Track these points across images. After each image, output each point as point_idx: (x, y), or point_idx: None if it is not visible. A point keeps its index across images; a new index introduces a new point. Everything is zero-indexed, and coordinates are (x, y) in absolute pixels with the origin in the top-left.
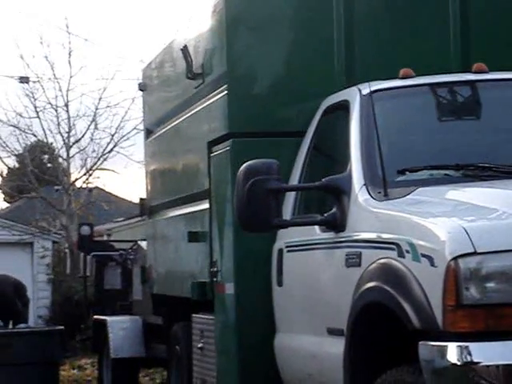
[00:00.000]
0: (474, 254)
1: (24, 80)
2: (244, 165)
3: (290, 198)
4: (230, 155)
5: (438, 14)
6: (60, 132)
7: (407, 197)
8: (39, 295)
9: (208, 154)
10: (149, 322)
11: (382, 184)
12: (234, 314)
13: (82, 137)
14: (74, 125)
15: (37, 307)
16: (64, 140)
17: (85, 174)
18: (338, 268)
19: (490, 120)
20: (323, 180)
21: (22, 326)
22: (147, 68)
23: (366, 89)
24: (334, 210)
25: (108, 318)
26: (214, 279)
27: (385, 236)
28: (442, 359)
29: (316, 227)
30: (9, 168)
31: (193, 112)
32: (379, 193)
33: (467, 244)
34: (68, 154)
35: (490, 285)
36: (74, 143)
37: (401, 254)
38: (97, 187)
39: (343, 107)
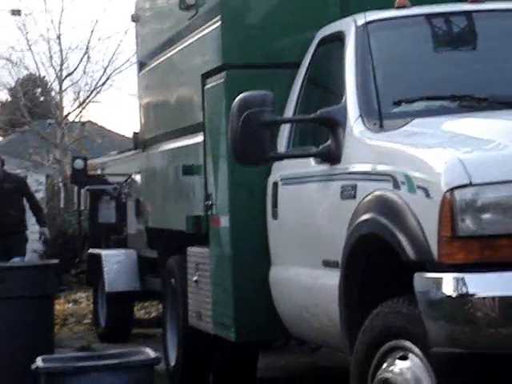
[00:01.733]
0: (470, 185)
1: (16, 13)
2: (238, 97)
3: (285, 131)
4: (224, 87)
5: None
6: (52, 65)
7: (403, 128)
8: (32, 229)
9: (202, 86)
10: (143, 256)
11: (378, 115)
12: (228, 246)
13: (75, 70)
14: (66, 58)
15: (31, 241)
16: (56, 73)
17: (78, 108)
18: (333, 200)
19: (486, 51)
20: (318, 112)
21: (17, 259)
22: None
23: (361, 19)
24: (328, 142)
25: (103, 252)
26: (209, 212)
27: (380, 168)
28: (437, 291)
29: (311, 160)
30: (1, 102)
31: (186, 44)
32: (374, 124)
33: (463, 175)
34: (61, 88)
35: (486, 216)
36: (66, 76)
37: (396, 186)
38: (89, 121)
39: (338, 38)
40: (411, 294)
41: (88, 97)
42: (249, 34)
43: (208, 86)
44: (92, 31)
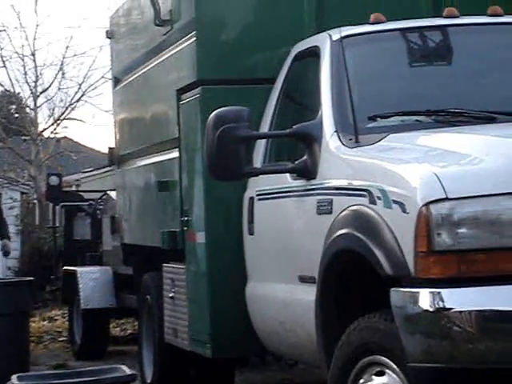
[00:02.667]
0: (446, 199)
1: None
2: (213, 112)
3: (261, 146)
4: (200, 103)
5: None
6: (27, 81)
7: (378, 143)
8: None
9: (177, 101)
10: (119, 273)
11: (353, 131)
12: (205, 262)
13: (50, 86)
14: (41, 74)
15: (6, 258)
16: (31, 89)
17: (52, 124)
18: (309, 215)
19: (460, 65)
20: (294, 127)
21: None
22: (115, 15)
23: (336, 34)
24: (304, 157)
25: (78, 269)
26: (185, 228)
27: (356, 183)
28: (414, 305)
29: (287, 175)
30: None
31: (161, 59)
32: (350, 139)
33: (439, 190)
34: (35, 104)
35: (462, 230)
36: (41, 92)
37: (372, 201)
38: (65, 137)
39: (313, 53)
40: (388, 309)
41: (63, 113)
42: (224, 50)
43: (183, 102)
44: (67, 47)
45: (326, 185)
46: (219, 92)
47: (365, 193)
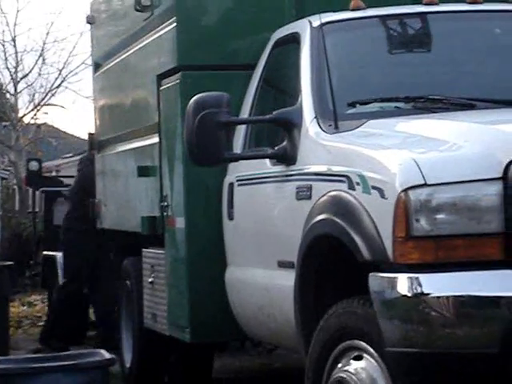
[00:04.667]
0: (425, 185)
1: None
2: (193, 98)
3: (241, 132)
4: (180, 88)
5: None
6: (7, 67)
7: (358, 129)
8: None
9: (157, 87)
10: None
11: (333, 117)
12: (184, 248)
13: (30, 72)
14: (21, 60)
15: None
16: (11, 75)
17: (33, 110)
18: (288, 201)
19: (440, 52)
20: (274, 113)
21: None
22: (95, 1)
23: (316, 21)
24: (284, 143)
25: (58, 254)
26: (165, 213)
27: (335, 169)
28: (392, 290)
29: (267, 161)
30: None
31: (142, 45)
32: (330, 126)
33: (417, 176)
34: (16, 90)
35: (440, 216)
36: (21, 78)
37: (351, 187)
38: (45, 123)
39: (294, 40)
40: (366, 294)
41: (43, 99)
42: (204, 36)
43: (163, 87)
44: (47, 33)
45: (306, 170)
46: (199, 78)
47: (344, 178)
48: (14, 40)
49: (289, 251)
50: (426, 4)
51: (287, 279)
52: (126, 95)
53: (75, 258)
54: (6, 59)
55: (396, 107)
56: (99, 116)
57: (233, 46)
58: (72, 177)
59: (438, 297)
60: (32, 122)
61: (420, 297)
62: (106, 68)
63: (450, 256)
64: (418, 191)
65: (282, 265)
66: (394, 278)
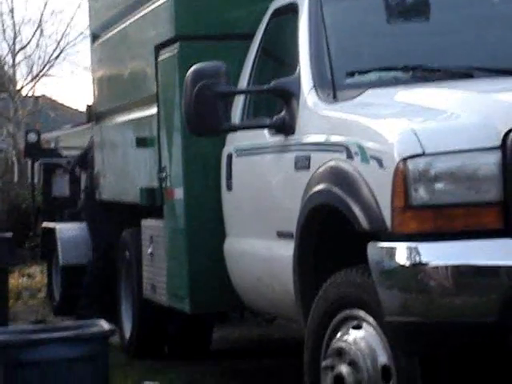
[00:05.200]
0: (423, 155)
1: None
2: (192, 68)
3: (239, 102)
4: (178, 59)
5: None
6: (5, 39)
7: (356, 99)
8: None
9: (155, 58)
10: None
11: (331, 86)
12: (183, 219)
13: (28, 43)
14: (19, 31)
15: None
16: (9, 47)
17: (31, 81)
18: (287, 171)
19: (438, 21)
20: (272, 83)
21: None
22: None
23: None
24: (283, 113)
25: (57, 225)
26: (163, 185)
27: (334, 138)
28: (390, 260)
29: (265, 131)
30: None
31: (139, 15)
32: (328, 95)
33: (416, 145)
34: (14, 61)
35: (439, 185)
36: (19, 50)
37: (350, 156)
38: (43, 95)
39: (292, 9)
40: (365, 263)
41: (41, 70)
42: (202, 5)
43: (161, 58)
44: (45, 4)
45: (304, 141)
46: (197, 48)
47: (342, 148)
48: (11, 11)
49: (287, 222)
50: None
51: (286, 249)
52: (124, 66)
53: (102, 232)
54: (3, 31)
55: (394, 76)
56: (97, 87)
57: (231, 15)
58: (70, 148)
59: (437, 266)
60: (30, 93)
61: (419, 266)
62: (103, 39)
63: (448, 225)
64: (417, 160)
65: (281, 235)
66: (393, 247)
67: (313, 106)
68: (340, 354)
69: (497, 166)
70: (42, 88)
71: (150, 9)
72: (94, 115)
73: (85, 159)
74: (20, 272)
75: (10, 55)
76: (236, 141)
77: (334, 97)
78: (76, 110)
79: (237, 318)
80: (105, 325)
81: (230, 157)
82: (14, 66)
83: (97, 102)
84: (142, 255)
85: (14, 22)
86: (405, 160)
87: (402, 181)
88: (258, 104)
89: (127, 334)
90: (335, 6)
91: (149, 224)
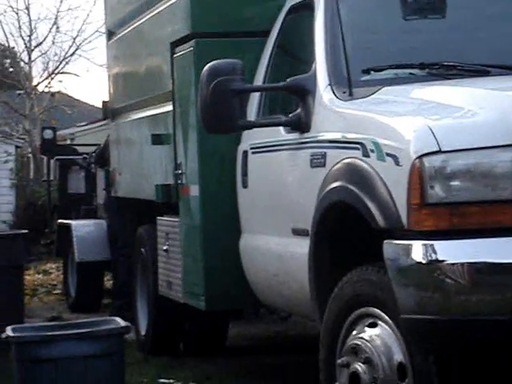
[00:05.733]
0: (439, 152)
1: None
2: (207, 65)
3: (255, 99)
4: (194, 56)
5: None
6: (21, 35)
7: (372, 96)
8: (2, 200)
9: (171, 55)
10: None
11: (347, 83)
12: (199, 215)
13: (44, 40)
14: (35, 28)
15: (0, 212)
16: (25, 44)
17: (47, 78)
18: (302, 169)
19: (455, 18)
20: (288, 80)
21: None
22: None
23: None
24: (298, 110)
25: (72, 222)
26: (179, 181)
27: (349, 136)
28: (406, 258)
29: (281, 128)
30: None
31: (155, 12)
32: (344, 92)
33: (432, 142)
34: (30, 58)
35: (455, 183)
36: (35, 47)
37: (366, 154)
38: (59, 91)
39: (308, 6)
40: (381, 261)
41: (57, 67)
42: (218, 2)
43: (177, 55)
44: (61, 1)
45: (320, 138)
46: (213, 45)
47: (358, 146)
48: (27, 8)
49: (303, 219)
50: None
51: (301, 247)
52: (139, 63)
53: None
54: (19, 27)
55: (410, 74)
56: (113, 84)
57: (246, 12)
58: (86, 145)
59: (453, 264)
60: (46, 90)
61: (435, 264)
62: (119, 36)
63: (464, 223)
64: (433, 158)
65: (297, 232)
66: (409, 245)
67: (328, 104)
68: (355, 351)
69: None
70: (58, 84)
71: (165, 6)
72: (109, 112)
73: (102, 156)
74: (36, 269)
75: (25, 52)
76: (251, 138)
77: (350, 94)
78: (93, 106)
79: (252, 315)
80: (120, 322)
81: (245, 154)
82: (29, 62)
83: (112, 98)
84: (157, 252)
85: (30, 18)
86: (421, 157)
87: (418, 178)
88: (273, 101)
89: (143, 331)
90: (351, 3)
91: (164, 221)
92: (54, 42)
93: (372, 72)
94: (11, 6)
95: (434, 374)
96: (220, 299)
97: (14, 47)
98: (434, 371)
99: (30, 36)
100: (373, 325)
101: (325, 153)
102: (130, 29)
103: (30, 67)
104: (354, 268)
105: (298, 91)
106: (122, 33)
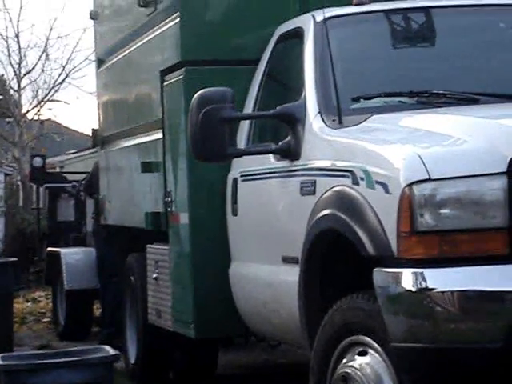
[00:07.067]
0: (429, 180)
1: None
2: (197, 93)
3: (245, 127)
4: (183, 84)
5: None
6: (11, 63)
7: (362, 124)
8: None
9: (161, 83)
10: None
11: (337, 112)
12: (188, 243)
13: (33, 68)
14: (24, 56)
15: None
16: (15, 71)
17: (36, 106)
18: (292, 196)
19: (443, 47)
20: (277, 108)
21: None
22: None
23: (319, 15)
24: (288, 138)
25: (61, 250)
26: (169, 209)
27: (339, 164)
28: (396, 285)
29: (271, 156)
30: None
31: (145, 40)
32: (334, 120)
33: (421, 170)
34: (19, 86)
35: (445, 211)
36: (25, 74)
37: (355, 182)
38: (49, 119)
39: (297, 34)
40: (371, 289)
41: (47, 95)
42: (208, 31)
43: (167, 83)
44: (51, 29)
45: (310, 166)
46: (203, 73)
47: (348, 173)
48: (17, 36)
49: (293, 247)
50: None
51: (291, 275)
52: (129, 91)
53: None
54: (9, 55)
55: (400, 102)
56: (103, 112)
57: (236, 41)
58: (75, 173)
59: (443, 292)
60: (36, 118)
61: (425, 292)
62: (109, 64)
63: (454, 251)
64: (423, 186)
65: (286, 260)
66: (399, 272)
67: (318, 132)
68: (346, 379)
69: (503, 192)
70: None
71: (155, 34)
72: (99, 140)
73: (90, 184)
74: (25, 297)
75: (15, 79)
76: (241, 166)
77: (340, 122)
78: (82, 133)
79: (242, 342)
80: (109, 350)
81: (235, 181)
82: (19, 90)
83: (102, 126)
84: (146, 280)
85: (19, 46)
86: (410, 185)
87: (408, 206)
88: (263, 129)
89: (132, 359)
90: (340, 32)
91: (154, 249)
92: (43, 70)
93: (361, 100)
94: (0, 34)
95: None
96: (210, 327)
97: (3, 75)
98: None
99: (19, 64)
100: (363, 353)
101: (315, 181)
102: (119, 57)
103: (20, 95)
104: (344, 296)
105: (288, 119)
106: (112, 61)
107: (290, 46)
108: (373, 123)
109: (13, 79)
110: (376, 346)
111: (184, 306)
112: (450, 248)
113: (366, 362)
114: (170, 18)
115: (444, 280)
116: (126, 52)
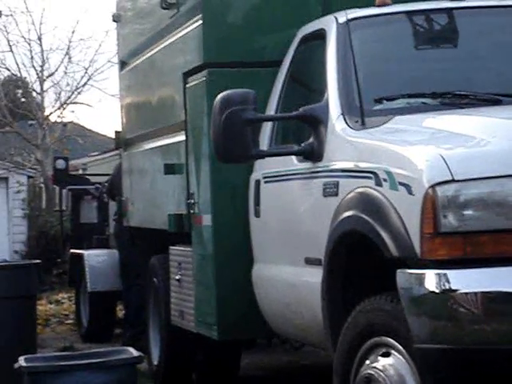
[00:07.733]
0: (452, 181)
1: None
2: (220, 95)
3: (267, 129)
4: (206, 86)
5: None
6: (33, 66)
7: (384, 125)
8: (15, 230)
9: (183, 85)
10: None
11: (359, 113)
12: (211, 245)
13: (56, 70)
14: (47, 58)
15: (12, 242)
16: (38, 74)
17: (59, 108)
18: (315, 198)
19: (466, 48)
20: (300, 110)
21: None
22: None
23: (342, 17)
24: (311, 139)
25: (85, 252)
26: (191, 211)
27: (362, 165)
28: (420, 287)
29: (293, 157)
30: None
31: (168, 42)
32: (356, 122)
33: (445, 172)
34: (42, 88)
35: (468, 212)
36: (47, 77)
37: (378, 183)
38: (72, 121)
39: (320, 36)
40: (394, 290)
41: (69, 97)
42: (230, 33)
43: (189, 85)
44: (73, 31)
45: (332, 167)
46: (225, 75)
47: (371, 175)
48: (39, 39)
49: (316, 248)
50: None
51: (314, 276)
52: (152, 93)
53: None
54: (32, 58)
55: (423, 103)
56: (125, 114)
57: (259, 42)
58: (98, 175)
59: (466, 293)
60: (58, 120)
61: (448, 293)
62: (131, 66)
63: (477, 252)
64: (446, 187)
65: (309, 262)
66: (422, 274)
67: (341, 133)
68: (369, 381)
69: None
70: (70, 114)
71: (178, 36)
72: (122, 142)
73: (112, 187)
74: (48, 299)
75: (38, 82)
76: (264, 167)
77: (363, 123)
78: (105, 135)
79: (264, 344)
80: (133, 352)
81: (257, 183)
82: (42, 92)
83: (125, 128)
84: (170, 281)
85: (42, 49)
86: (434, 186)
87: (431, 207)
88: (285, 130)
89: (155, 361)
90: (363, 33)
91: (177, 250)
92: (66, 73)
93: (384, 101)
94: (23, 37)
95: None
96: (233, 329)
97: (26, 77)
98: None
99: (42, 66)
100: (386, 354)
101: (337, 182)
102: (142, 59)
103: (42, 97)
104: (368, 297)
105: (311, 120)
106: (135, 63)
107: (312, 47)
108: (395, 124)
109: (35, 82)
110: (399, 347)
111: (207, 307)
112: (473, 249)
113: (390, 363)
114: (192, 20)
115: (467, 281)
116: (149, 54)
